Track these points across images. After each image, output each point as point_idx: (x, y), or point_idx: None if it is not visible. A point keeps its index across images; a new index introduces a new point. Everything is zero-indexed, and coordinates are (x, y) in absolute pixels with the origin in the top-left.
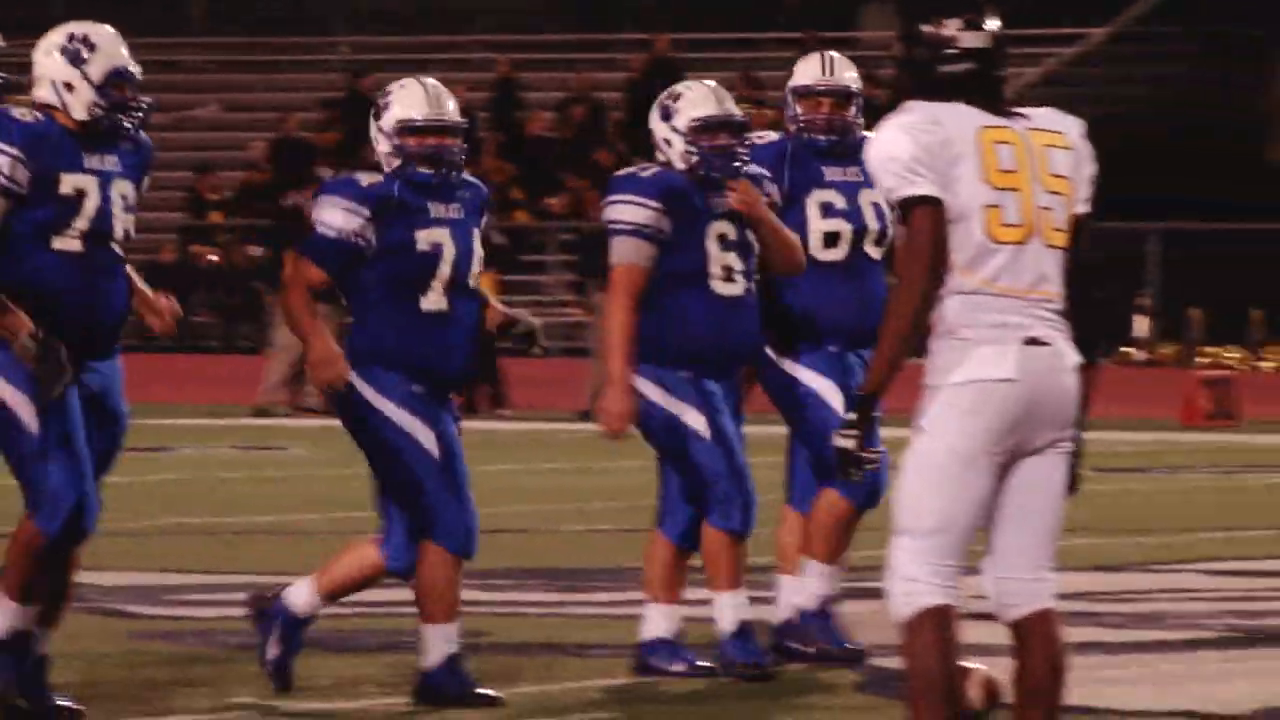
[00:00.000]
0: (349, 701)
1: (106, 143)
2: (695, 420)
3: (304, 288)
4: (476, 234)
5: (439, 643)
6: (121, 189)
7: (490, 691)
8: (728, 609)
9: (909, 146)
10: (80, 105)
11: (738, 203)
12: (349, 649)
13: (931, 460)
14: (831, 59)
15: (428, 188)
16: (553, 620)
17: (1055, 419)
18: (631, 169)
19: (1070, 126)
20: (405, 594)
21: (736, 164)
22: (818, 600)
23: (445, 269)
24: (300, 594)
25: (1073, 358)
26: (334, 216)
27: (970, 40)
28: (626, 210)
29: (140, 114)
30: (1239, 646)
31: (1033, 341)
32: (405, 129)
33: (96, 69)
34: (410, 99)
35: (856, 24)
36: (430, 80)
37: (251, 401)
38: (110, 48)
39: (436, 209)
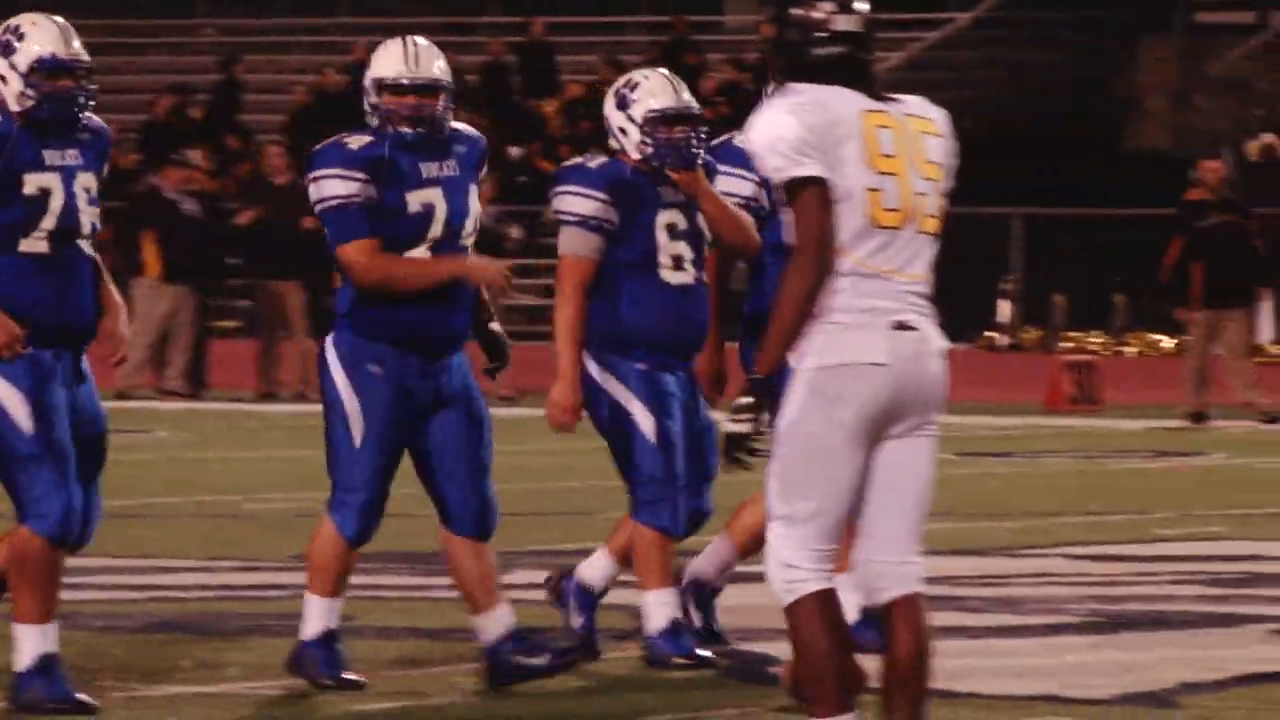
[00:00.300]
0: (212, 686)
1: (64, 136)
2: (642, 418)
3: (384, 256)
4: (473, 189)
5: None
6: (84, 182)
7: (355, 676)
8: (656, 607)
9: (796, 127)
10: (11, 97)
11: (684, 185)
12: (213, 633)
13: (805, 445)
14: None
15: (417, 146)
16: (416, 604)
17: (922, 403)
18: (580, 159)
19: (938, 115)
20: (271, 578)
21: (692, 155)
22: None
23: (437, 228)
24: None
25: (940, 342)
26: (333, 188)
27: (842, 23)
28: (574, 201)
29: (83, 103)
30: (1101, 632)
31: (901, 326)
32: (384, 87)
33: (23, 59)
34: (390, 58)
35: (722, 9)
36: (417, 39)
37: (111, 384)
38: (39, 37)
39: (429, 168)
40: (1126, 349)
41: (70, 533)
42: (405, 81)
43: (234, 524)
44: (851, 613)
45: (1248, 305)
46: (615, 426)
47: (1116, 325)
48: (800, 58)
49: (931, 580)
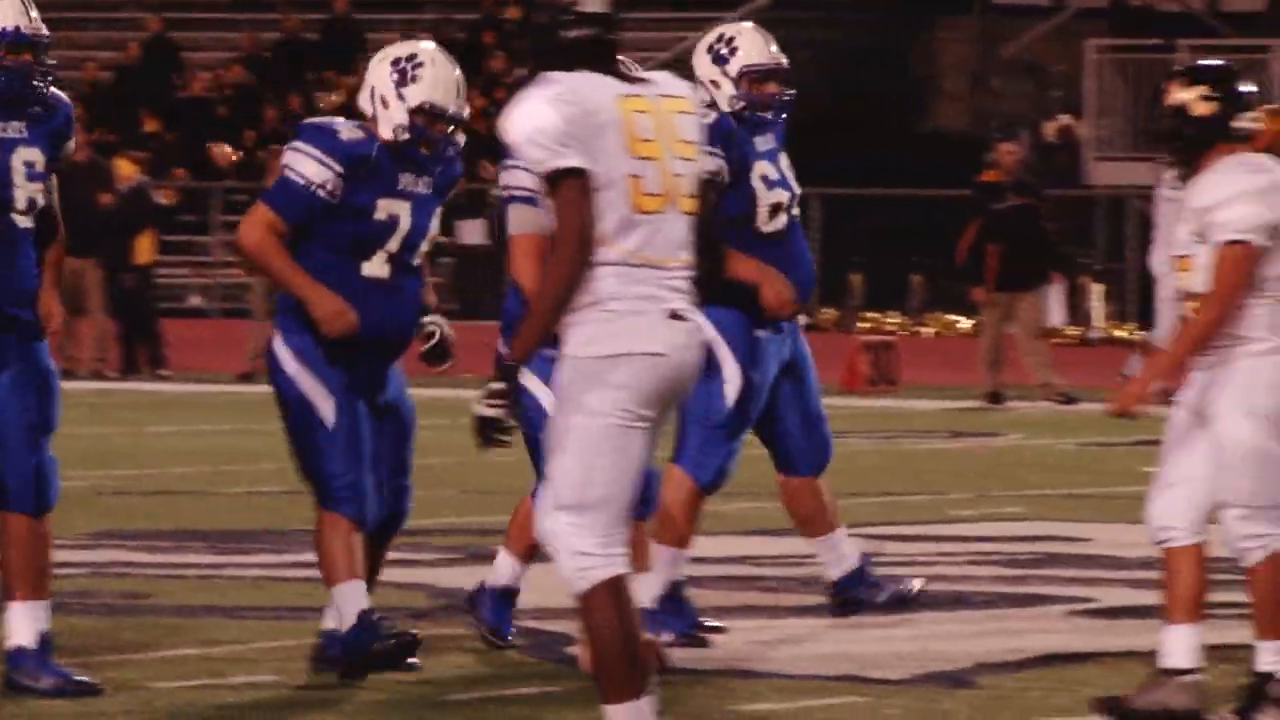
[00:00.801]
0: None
1: (11, 109)
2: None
3: (276, 241)
4: (437, 213)
5: None
6: (26, 156)
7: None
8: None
9: (555, 119)
10: None
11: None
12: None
13: (590, 434)
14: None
15: (406, 159)
16: (215, 582)
17: (679, 394)
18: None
19: (686, 90)
20: (67, 555)
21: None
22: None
23: (394, 242)
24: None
25: (705, 333)
26: (306, 166)
27: (590, 4)
28: (524, 176)
29: (41, 77)
30: (899, 612)
31: (675, 315)
32: (426, 111)
33: None
34: (436, 83)
35: None
36: (454, 70)
37: None
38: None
39: (406, 180)
40: (923, 330)
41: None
42: (448, 115)
43: None
44: (647, 601)
45: (1040, 287)
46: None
47: (913, 306)
48: (549, 40)
49: (730, 560)
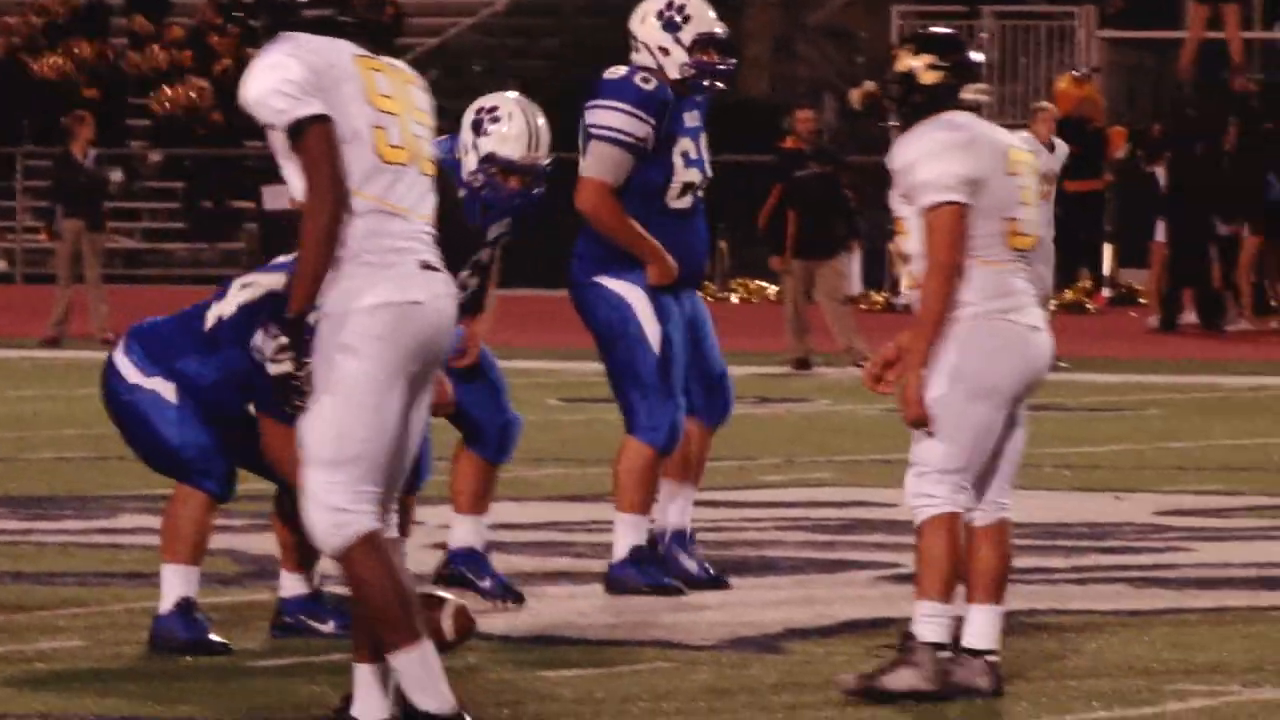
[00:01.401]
0: None
1: None
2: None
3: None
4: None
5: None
6: None
7: None
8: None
9: (297, 68)
10: None
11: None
12: None
13: (349, 387)
14: None
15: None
16: (21, 548)
17: (438, 348)
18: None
19: (418, 76)
20: None
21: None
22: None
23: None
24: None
25: (454, 288)
26: (615, 120)
27: None
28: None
29: None
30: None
31: (427, 266)
32: (703, 42)
33: None
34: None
35: None
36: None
37: None
38: None
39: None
40: (730, 296)
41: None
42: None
43: None
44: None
45: (840, 254)
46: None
47: (720, 272)
48: (287, 18)
49: (541, 526)
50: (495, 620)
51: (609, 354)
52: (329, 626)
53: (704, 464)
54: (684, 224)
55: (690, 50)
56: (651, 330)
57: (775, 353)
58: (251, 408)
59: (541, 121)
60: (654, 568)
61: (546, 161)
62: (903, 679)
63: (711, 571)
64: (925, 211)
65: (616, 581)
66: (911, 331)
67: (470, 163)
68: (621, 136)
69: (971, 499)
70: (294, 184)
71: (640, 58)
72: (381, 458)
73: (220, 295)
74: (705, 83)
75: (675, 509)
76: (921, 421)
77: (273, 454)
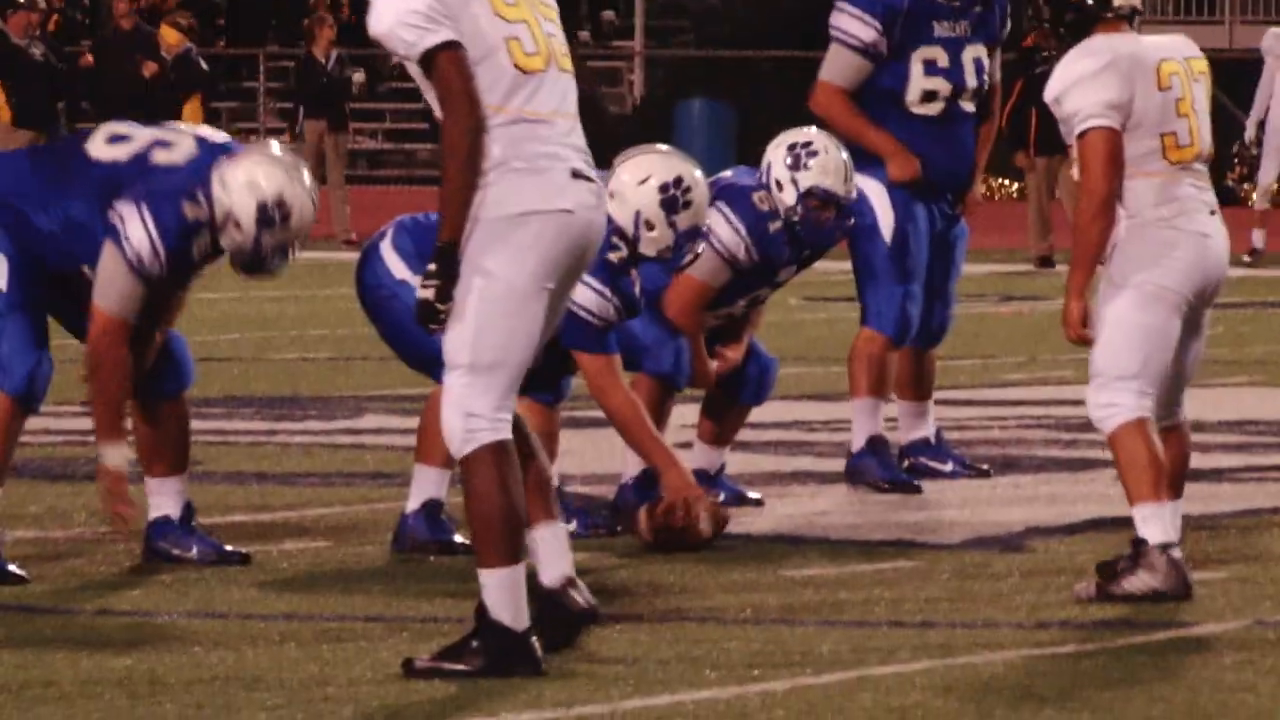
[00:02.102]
0: (59, 531)
1: None
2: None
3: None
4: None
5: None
6: None
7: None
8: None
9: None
10: None
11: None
12: (61, 478)
13: (492, 295)
14: None
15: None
16: (266, 449)
17: (588, 257)
18: None
19: None
20: None
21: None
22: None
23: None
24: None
25: (605, 196)
26: (844, 23)
27: None
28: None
29: None
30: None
31: (577, 174)
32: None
33: None
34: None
35: None
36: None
37: None
38: None
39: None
40: None
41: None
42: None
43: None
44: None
45: None
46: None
47: None
48: None
49: (783, 424)
50: (736, 521)
51: (850, 248)
52: (571, 527)
53: (932, 379)
54: (932, 130)
55: None
56: (885, 220)
57: (1018, 250)
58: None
59: (846, 155)
60: (892, 459)
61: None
62: (1140, 582)
63: (969, 463)
64: (1076, 140)
65: (855, 471)
66: (1072, 262)
67: (789, 198)
68: (848, 39)
69: (1154, 404)
70: (436, 111)
71: None
72: (519, 367)
73: None
74: None
75: (916, 425)
76: (1084, 341)
77: (591, 385)
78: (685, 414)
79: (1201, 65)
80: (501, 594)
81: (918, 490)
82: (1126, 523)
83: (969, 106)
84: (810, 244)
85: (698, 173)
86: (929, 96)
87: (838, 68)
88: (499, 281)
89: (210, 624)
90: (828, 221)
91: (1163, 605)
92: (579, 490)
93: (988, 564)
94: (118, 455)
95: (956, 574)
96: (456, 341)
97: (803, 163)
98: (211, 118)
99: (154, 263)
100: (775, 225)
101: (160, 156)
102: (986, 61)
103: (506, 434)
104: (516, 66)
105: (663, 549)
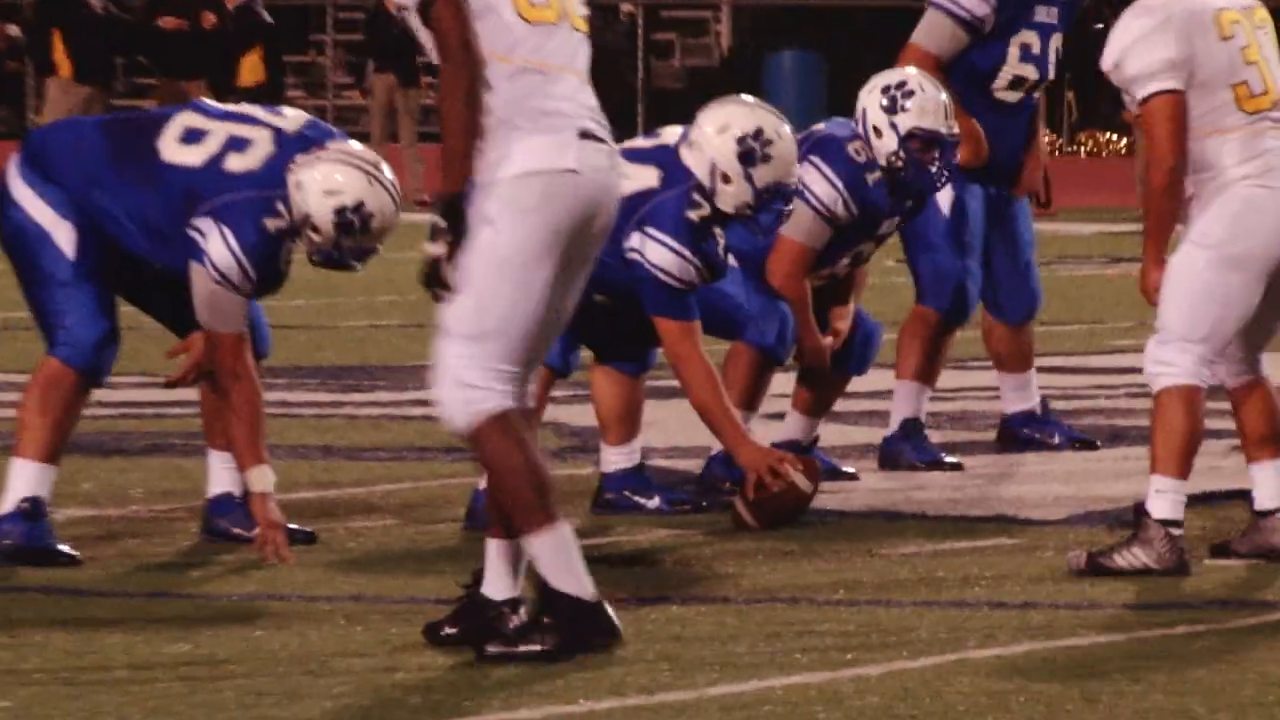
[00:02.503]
0: (115, 509)
1: None
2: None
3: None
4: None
5: None
6: None
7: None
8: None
9: None
10: None
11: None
12: (114, 453)
13: (492, 259)
14: None
15: None
16: (332, 421)
17: (601, 228)
18: None
19: None
20: (177, 394)
21: None
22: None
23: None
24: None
25: (620, 160)
26: None
27: None
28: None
29: None
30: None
31: (586, 135)
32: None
33: None
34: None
35: None
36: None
37: None
38: None
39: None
40: (1078, 149)
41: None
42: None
43: (135, 337)
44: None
45: None
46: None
47: (1067, 126)
48: None
49: (879, 394)
50: (828, 497)
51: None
52: (654, 502)
53: (1031, 350)
54: (1004, 119)
55: None
56: (943, 195)
57: (1125, 209)
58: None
59: (944, 92)
60: (927, 442)
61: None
62: (1133, 557)
63: (1076, 435)
64: (1139, 105)
65: (887, 455)
66: (1145, 231)
67: (890, 144)
68: (956, 8)
69: (1213, 374)
70: (435, 60)
71: None
72: (522, 336)
73: None
74: None
75: (1019, 397)
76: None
77: (669, 353)
78: (779, 382)
79: (1263, 14)
80: (556, 560)
81: (958, 468)
82: (1241, 496)
83: (1037, 96)
84: (915, 190)
85: (784, 127)
86: (1016, 83)
87: (936, 35)
88: (501, 246)
89: (272, 606)
90: (932, 163)
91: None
92: (662, 464)
93: (1094, 541)
94: (263, 479)
95: (1061, 552)
96: (458, 310)
97: (899, 105)
98: (274, 72)
99: (243, 280)
100: (874, 176)
101: (235, 164)
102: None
103: (505, 402)
104: (521, 17)
105: (775, 525)
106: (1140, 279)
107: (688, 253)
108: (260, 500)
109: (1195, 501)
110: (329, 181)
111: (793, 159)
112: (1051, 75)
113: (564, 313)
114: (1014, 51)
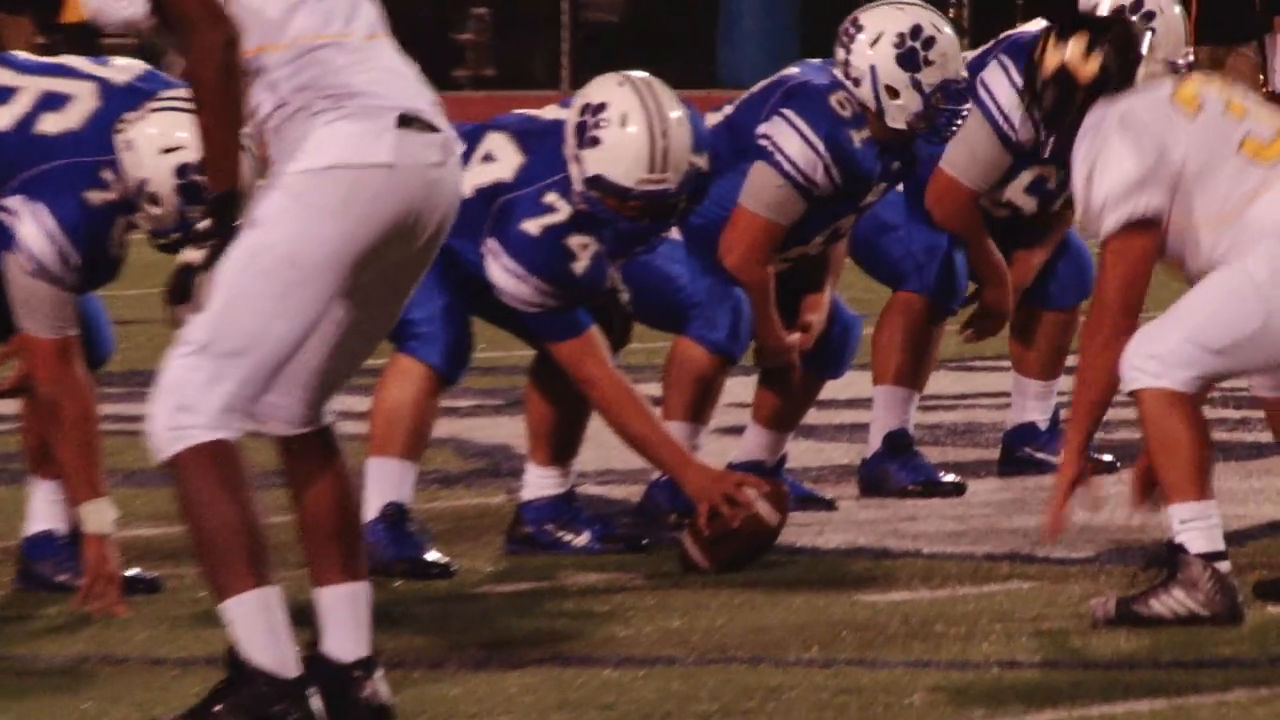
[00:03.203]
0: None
1: None
2: None
3: None
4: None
5: None
6: None
7: None
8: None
9: None
10: None
11: None
12: None
13: (257, 266)
14: None
15: None
16: None
17: (432, 228)
18: None
19: None
20: None
21: None
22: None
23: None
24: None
25: (457, 150)
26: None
27: None
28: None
29: None
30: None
31: (409, 120)
32: None
33: None
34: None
35: None
36: None
37: None
38: None
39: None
40: None
41: None
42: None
43: None
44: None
45: (1252, 39)
46: None
47: None
48: None
49: (861, 402)
50: (798, 530)
51: None
52: (583, 539)
53: (1062, 354)
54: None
55: None
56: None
57: None
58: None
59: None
60: (919, 459)
61: None
62: (1175, 601)
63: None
64: (1108, 243)
65: (870, 479)
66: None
67: (913, 104)
68: (1005, 128)
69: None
70: (183, 50)
71: None
72: (274, 361)
73: None
74: None
75: (1035, 407)
76: (1056, 532)
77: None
78: (734, 389)
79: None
80: (254, 627)
81: (959, 492)
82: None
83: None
84: (907, 149)
85: (940, 20)
86: (1006, 205)
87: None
88: (273, 251)
89: (104, 670)
90: (950, 114)
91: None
92: (594, 491)
93: (1131, 579)
94: (99, 517)
95: (1089, 597)
96: (205, 314)
97: (922, 58)
98: None
99: (63, 269)
100: (861, 134)
101: (51, 125)
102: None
103: (224, 434)
104: None
105: (733, 567)
106: (1058, 473)
107: (524, 272)
108: (95, 543)
109: (1262, 533)
110: (166, 137)
111: (956, 52)
112: (1052, 208)
113: (374, 335)
114: (1025, 177)
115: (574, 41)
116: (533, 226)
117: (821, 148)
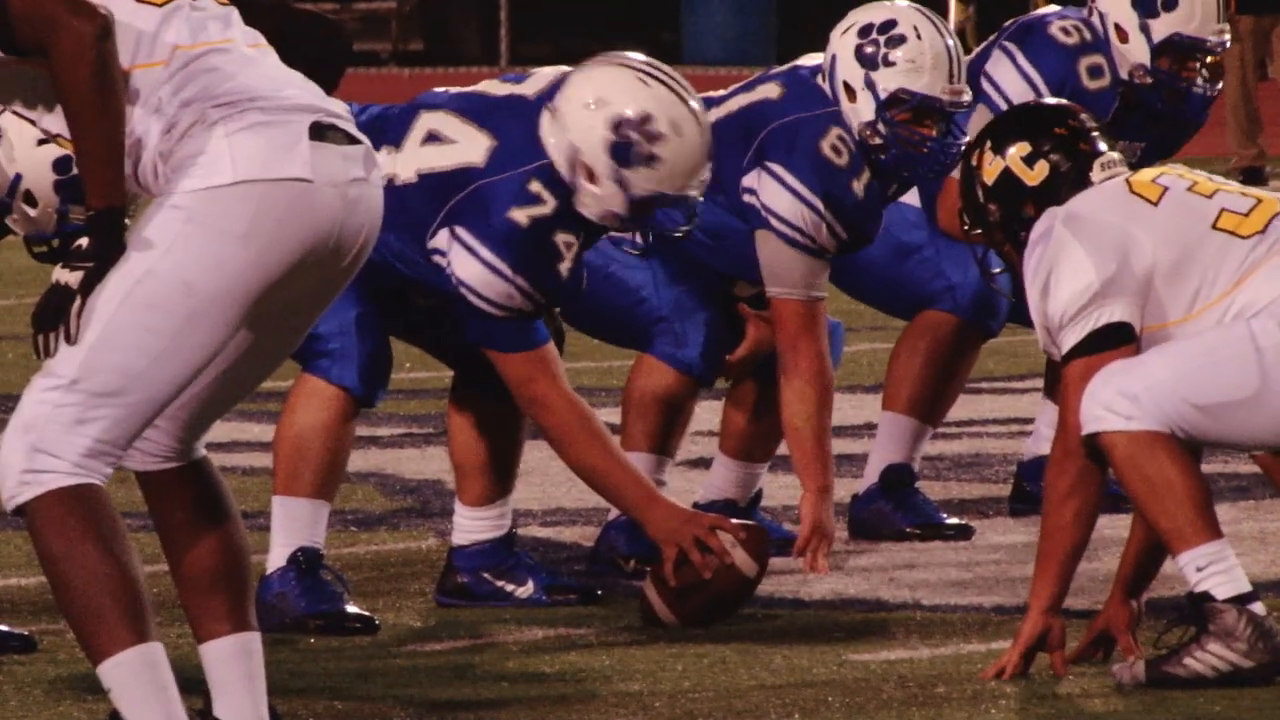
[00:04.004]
0: None
1: None
2: None
3: None
4: None
5: None
6: None
7: None
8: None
9: None
10: None
11: None
12: None
13: (140, 295)
14: None
15: None
16: None
17: (352, 250)
18: None
19: None
20: None
21: None
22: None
23: None
24: None
25: (370, 165)
26: None
27: None
28: None
29: None
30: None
31: (324, 130)
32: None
33: None
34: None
35: None
36: None
37: None
38: None
39: None
40: None
41: None
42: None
43: None
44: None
45: None
46: None
47: None
48: None
49: (850, 428)
50: (779, 580)
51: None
52: (527, 589)
53: None
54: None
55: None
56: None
57: (1215, 157)
58: None
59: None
60: (920, 499)
61: None
62: (1211, 656)
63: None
64: (1070, 363)
65: (861, 521)
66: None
67: (865, 111)
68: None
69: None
70: (48, 65)
71: None
72: (152, 403)
73: None
74: None
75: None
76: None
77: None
78: (705, 416)
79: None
80: (136, 690)
81: (965, 535)
82: None
83: None
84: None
85: (935, 28)
86: None
87: None
88: (161, 279)
89: None
90: (922, 142)
91: None
92: (540, 534)
93: (1163, 640)
94: None
95: (1112, 658)
96: (77, 347)
97: (882, 55)
98: None
99: None
100: (862, 181)
101: None
102: None
103: (87, 479)
104: (148, 1)
105: (703, 622)
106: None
107: (506, 269)
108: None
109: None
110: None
111: (945, 71)
112: None
113: (273, 360)
114: None
115: (511, 9)
116: (521, 216)
117: (819, 206)
